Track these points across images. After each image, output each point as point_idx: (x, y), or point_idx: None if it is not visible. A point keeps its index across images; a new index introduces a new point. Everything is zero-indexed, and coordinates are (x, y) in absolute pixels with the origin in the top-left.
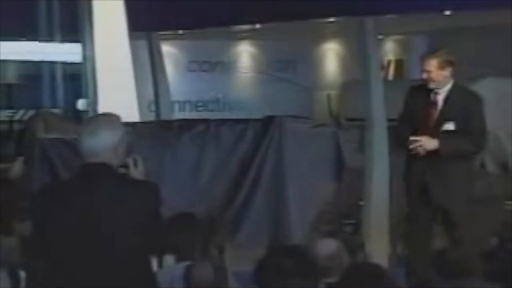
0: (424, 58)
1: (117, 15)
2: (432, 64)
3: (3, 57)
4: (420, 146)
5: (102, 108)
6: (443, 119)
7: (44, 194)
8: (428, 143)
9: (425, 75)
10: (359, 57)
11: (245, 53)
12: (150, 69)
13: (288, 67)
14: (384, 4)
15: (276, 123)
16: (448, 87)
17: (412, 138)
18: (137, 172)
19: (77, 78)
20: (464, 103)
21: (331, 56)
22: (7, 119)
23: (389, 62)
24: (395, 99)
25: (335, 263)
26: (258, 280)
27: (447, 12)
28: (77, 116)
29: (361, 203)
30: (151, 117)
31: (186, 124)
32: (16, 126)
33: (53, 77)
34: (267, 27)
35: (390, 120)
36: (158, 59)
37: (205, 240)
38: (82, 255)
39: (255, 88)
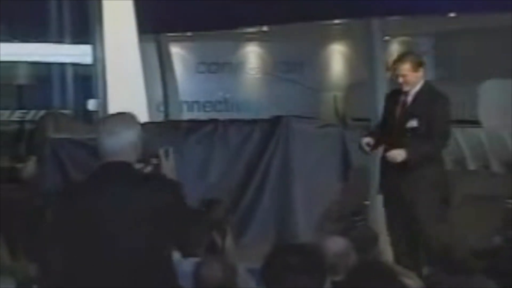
0: (396, 64)
1: (127, 17)
2: (406, 68)
3: (14, 59)
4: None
5: (112, 109)
6: (409, 116)
7: (65, 193)
8: (397, 156)
9: (401, 80)
10: (365, 58)
11: (252, 55)
12: (159, 70)
13: (295, 68)
14: (390, 6)
15: (283, 123)
16: (418, 87)
17: (383, 153)
18: (168, 164)
19: (87, 79)
20: (430, 102)
21: (337, 58)
22: (18, 119)
23: None
24: None
25: (342, 261)
26: (265, 277)
27: (452, 14)
28: (87, 117)
29: (366, 202)
30: (160, 117)
31: (195, 125)
32: (27, 126)
33: (63, 78)
34: (274, 29)
35: None
36: (167, 60)
37: (208, 230)
38: (105, 252)
39: (263, 89)
